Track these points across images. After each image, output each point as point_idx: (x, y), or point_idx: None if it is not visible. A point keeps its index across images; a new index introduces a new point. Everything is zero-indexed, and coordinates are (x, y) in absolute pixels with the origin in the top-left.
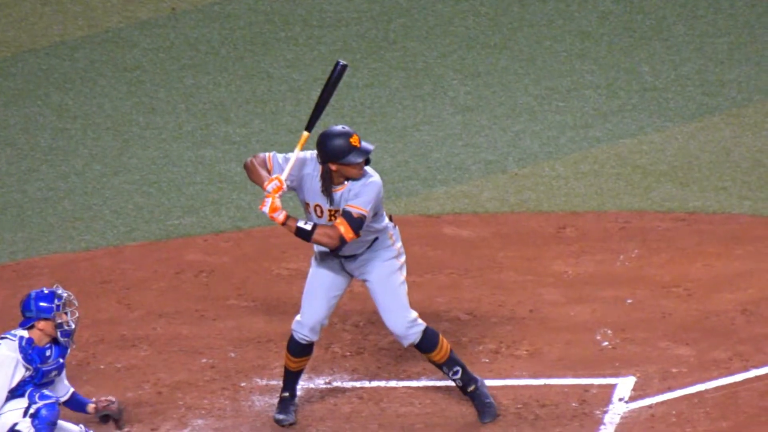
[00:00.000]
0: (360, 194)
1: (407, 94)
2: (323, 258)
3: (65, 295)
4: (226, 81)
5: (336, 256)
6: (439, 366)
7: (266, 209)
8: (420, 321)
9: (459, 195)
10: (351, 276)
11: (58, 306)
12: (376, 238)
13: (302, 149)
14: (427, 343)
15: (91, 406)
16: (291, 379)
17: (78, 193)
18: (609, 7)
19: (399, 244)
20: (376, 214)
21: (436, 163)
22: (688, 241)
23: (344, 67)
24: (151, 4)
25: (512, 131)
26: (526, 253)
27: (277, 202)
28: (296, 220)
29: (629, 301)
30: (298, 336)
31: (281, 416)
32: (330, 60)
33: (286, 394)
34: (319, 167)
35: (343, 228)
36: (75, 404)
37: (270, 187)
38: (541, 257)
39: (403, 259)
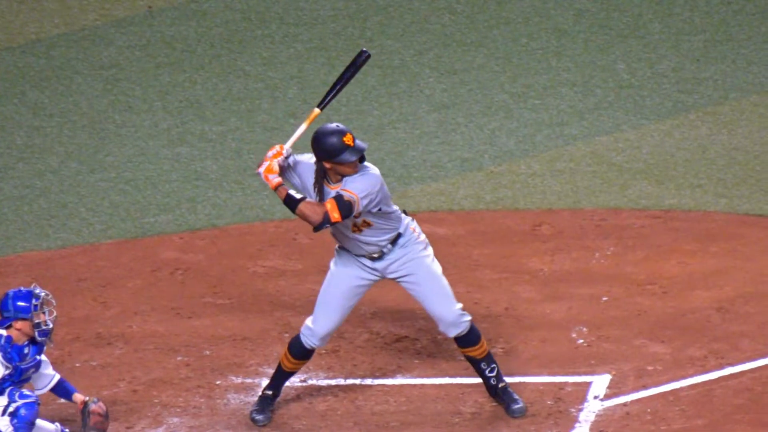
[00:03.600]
0: (355, 181)
1: (383, 92)
2: (346, 260)
3: (43, 294)
4: (203, 79)
5: (362, 256)
6: (478, 361)
7: (262, 169)
8: (466, 312)
9: (435, 193)
10: (375, 278)
11: (36, 306)
12: (399, 234)
13: (309, 126)
14: (473, 336)
15: (77, 397)
16: (281, 378)
17: (54, 191)
18: (585, 5)
19: (423, 236)
20: (380, 210)
21: (412, 161)
22: (664, 239)
23: (368, 57)
24: (128, 2)
25: (488, 129)
26: (502, 251)
27: (275, 166)
28: (288, 189)
29: (605, 298)
30: (306, 342)
31: (259, 416)
32: (306, 58)
33: (270, 392)
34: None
35: (330, 206)
36: (62, 391)
37: (270, 153)
38: (517, 255)
39: (431, 249)
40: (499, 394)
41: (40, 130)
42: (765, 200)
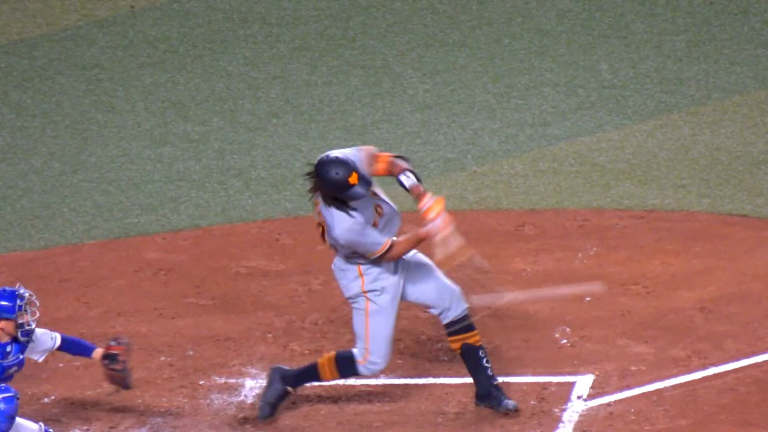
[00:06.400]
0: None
1: (366, 92)
2: (388, 284)
3: (27, 294)
4: (185, 79)
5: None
6: (477, 348)
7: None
8: None
9: None
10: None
11: (20, 306)
12: None
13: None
14: (470, 321)
15: (97, 353)
16: (309, 381)
17: (36, 192)
18: (568, 5)
19: None
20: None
21: None
22: (647, 239)
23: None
24: (110, 2)
25: (471, 129)
26: (485, 251)
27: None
28: (416, 230)
29: (588, 298)
30: (368, 374)
31: (268, 411)
32: (289, 58)
33: (291, 389)
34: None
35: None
36: (76, 347)
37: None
38: (500, 255)
39: None
40: (491, 392)
41: (23, 130)
42: (748, 200)
